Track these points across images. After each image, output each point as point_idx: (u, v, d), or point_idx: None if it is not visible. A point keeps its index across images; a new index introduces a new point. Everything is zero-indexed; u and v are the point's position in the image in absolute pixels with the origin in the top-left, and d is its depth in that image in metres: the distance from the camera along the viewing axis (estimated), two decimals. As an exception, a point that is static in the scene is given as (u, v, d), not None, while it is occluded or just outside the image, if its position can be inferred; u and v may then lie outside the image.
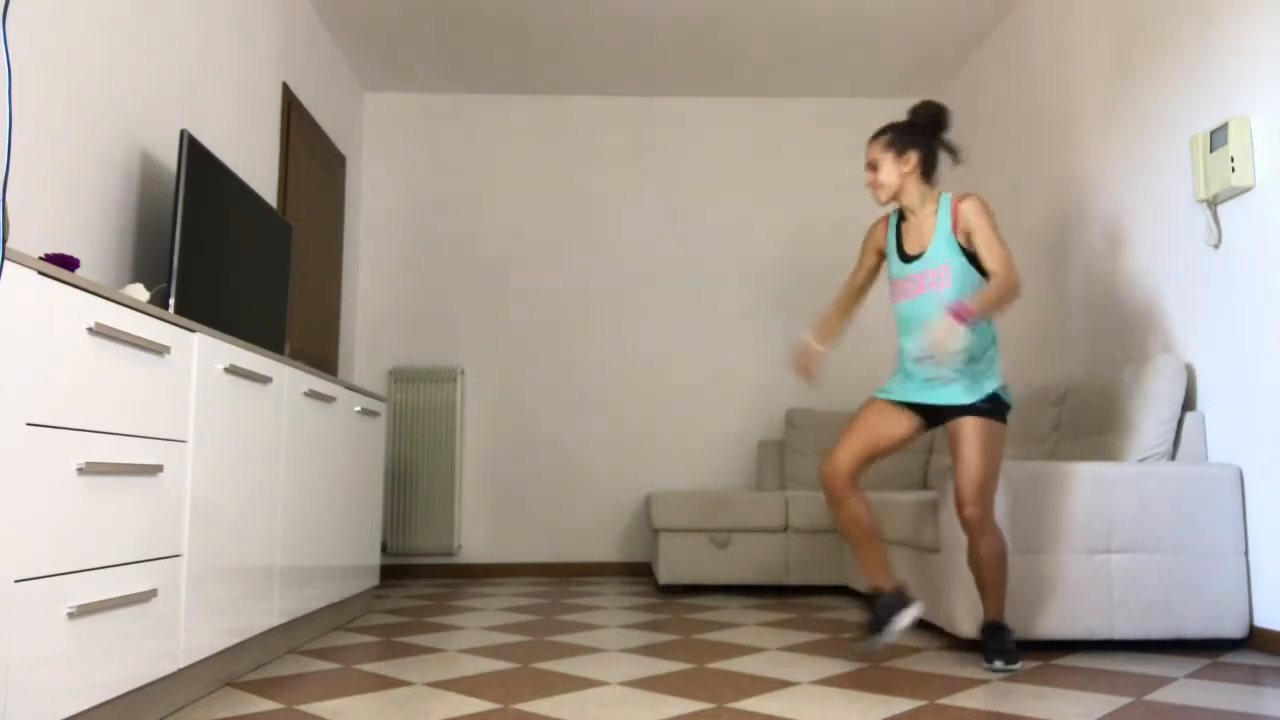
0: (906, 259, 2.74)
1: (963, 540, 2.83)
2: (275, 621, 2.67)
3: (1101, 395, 3.31)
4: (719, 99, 5.59)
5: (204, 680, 2.30)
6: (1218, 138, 2.97)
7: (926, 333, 2.47)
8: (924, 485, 4.90)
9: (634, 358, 5.38)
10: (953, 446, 2.60)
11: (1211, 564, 2.84)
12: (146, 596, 1.90)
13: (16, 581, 1.52)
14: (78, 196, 2.52)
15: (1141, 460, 3.00)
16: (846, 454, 2.69)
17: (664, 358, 5.39)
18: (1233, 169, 2.89)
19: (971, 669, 2.59)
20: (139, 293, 2.29)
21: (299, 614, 2.88)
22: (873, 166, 2.75)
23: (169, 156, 3.07)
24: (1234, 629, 2.82)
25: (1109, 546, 2.84)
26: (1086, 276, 3.86)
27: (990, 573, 2.61)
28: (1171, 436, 3.03)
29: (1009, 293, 2.54)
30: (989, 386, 2.60)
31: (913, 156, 2.71)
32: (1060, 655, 2.81)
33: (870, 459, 2.71)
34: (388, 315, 5.38)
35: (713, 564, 4.40)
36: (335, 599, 3.26)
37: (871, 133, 5.59)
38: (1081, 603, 2.81)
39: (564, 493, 5.28)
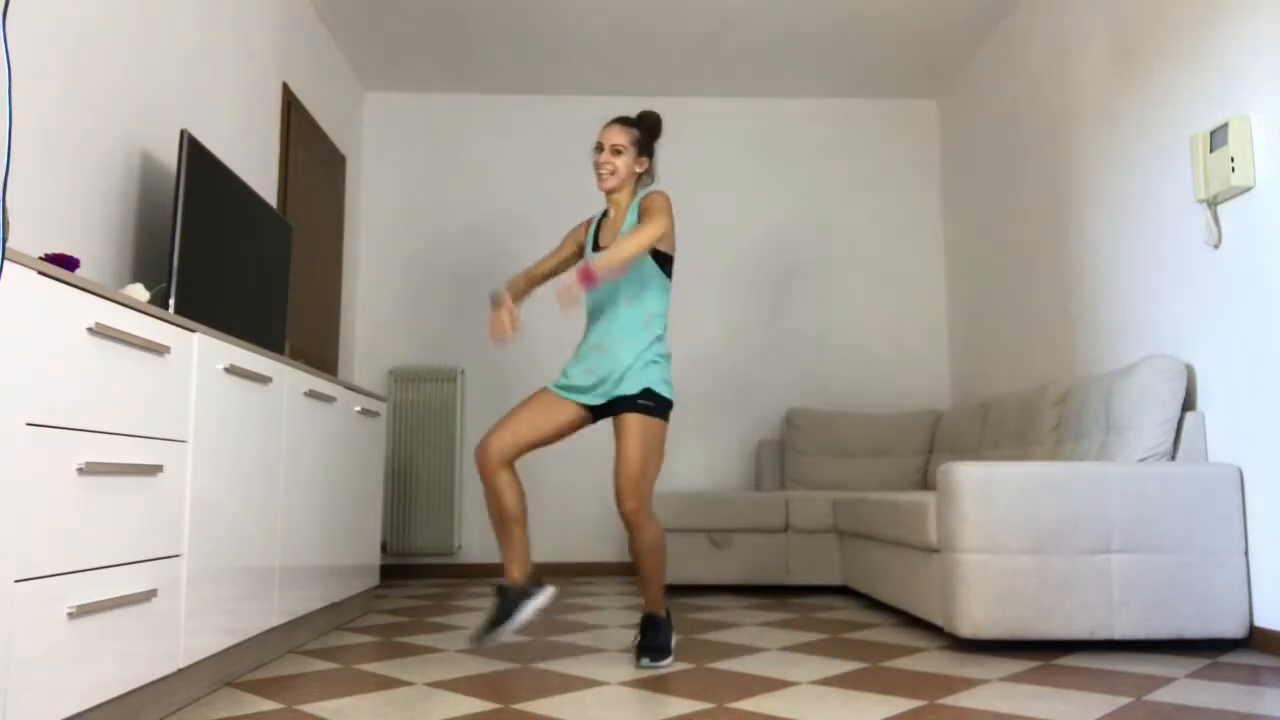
0: (596, 248, 2.87)
1: (963, 540, 2.84)
2: (275, 621, 2.67)
3: (1101, 395, 3.32)
4: (719, 99, 5.59)
5: (204, 680, 2.30)
6: (1218, 138, 2.97)
7: (560, 287, 2.53)
8: (924, 485, 4.91)
9: (634, 358, 5.37)
10: (616, 441, 2.69)
11: (1211, 564, 2.84)
12: (146, 596, 1.90)
13: (16, 581, 1.52)
14: (77, 196, 2.52)
15: (1141, 460, 3.00)
16: (504, 438, 2.71)
17: (664, 358, 5.39)
18: (1233, 169, 2.89)
19: (971, 669, 2.59)
20: (139, 293, 2.29)
21: (299, 614, 2.88)
22: (616, 151, 2.81)
23: (169, 156, 3.07)
24: (1234, 629, 2.82)
25: (1109, 546, 2.84)
26: (1086, 276, 3.86)
27: (649, 564, 2.72)
28: (1171, 436, 3.03)
29: (626, 251, 2.55)
30: (652, 383, 2.69)
31: (646, 162, 2.87)
32: (1060, 655, 2.81)
33: (531, 446, 2.75)
34: (388, 315, 5.38)
35: (713, 564, 4.40)
36: (335, 599, 3.26)
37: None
38: (1081, 603, 2.81)
39: (564, 493, 5.28)
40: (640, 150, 2.84)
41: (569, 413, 2.78)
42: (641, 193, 2.86)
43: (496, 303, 2.80)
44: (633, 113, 5.48)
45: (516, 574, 2.73)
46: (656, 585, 2.76)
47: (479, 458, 2.71)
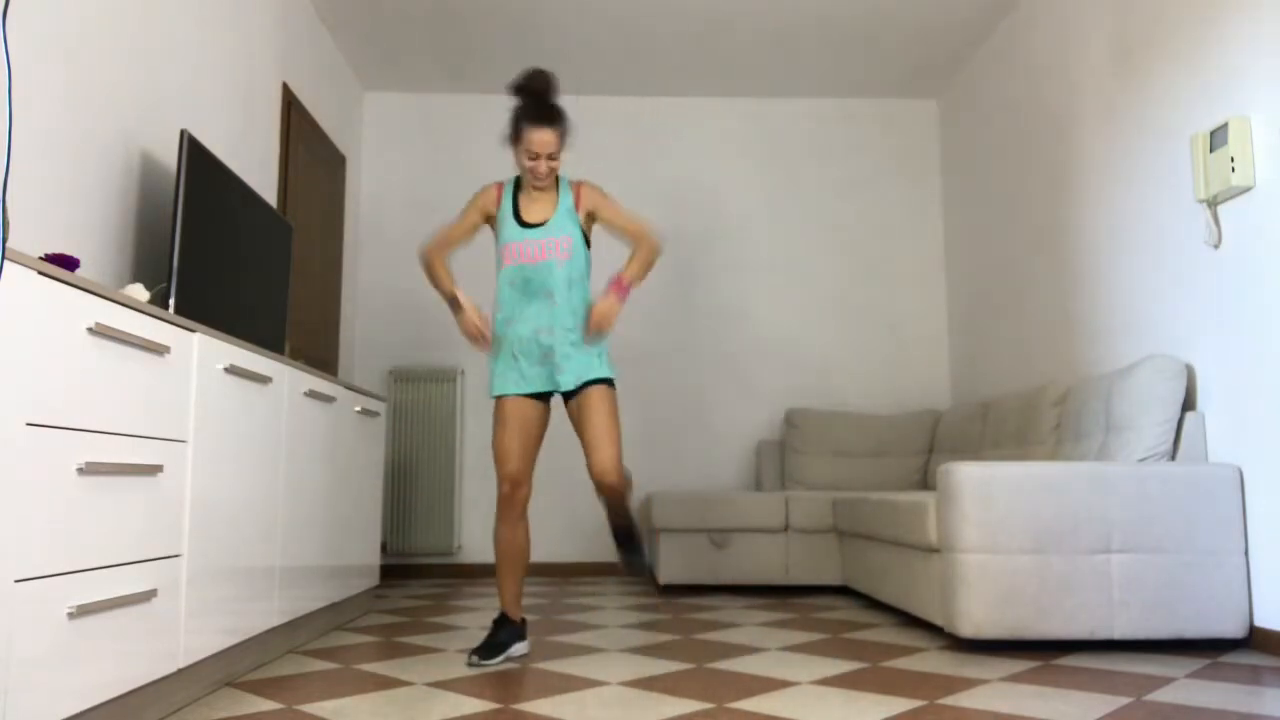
0: (526, 225, 2.82)
1: (963, 540, 2.84)
2: (275, 621, 2.67)
3: (1101, 395, 3.32)
4: (719, 99, 5.59)
5: (204, 680, 2.30)
6: (1218, 138, 2.97)
7: (594, 316, 2.70)
8: (924, 485, 4.91)
9: (631, 357, 5.38)
10: (584, 416, 2.76)
11: (1211, 564, 2.84)
12: (146, 596, 1.90)
13: (16, 581, 1.52)
14: (77, 196, 2.52)
15: (1141, 460, 3.00)
16: (519, 465, 2.79)
17: (662, 358, 5.39)
18: (1233, 169, 2.89)
19: (971, 669, 2.59)
20: (139, 293, 2.29)
21: (299, 614, 2.88)
22: (553, 157, 2.78)
23: (169, 156, 3.07)
24: (1234, 629, 2.82)
25: (1109, 546, 2.84)
26: (1086, 276, 3.86)
27: (627, 507, 2.84)
28: (1171, 436, 3.03)
29: (654, 253, 2.84)
30: (610, 370, 2.82)
31: (566, 143, 2.88)
32: (1060, 655, 2.81)
33: (534, 461, 2.85)
34: (388, 315, 5.38)
35: (713, 564, 4.40)
36: (335, 599, 3.26)
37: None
38: (1081, 603, 2.81)
39: (563, 493, 5.28)
40: (565, 142, 2.80)
41: (540, 410, 2.85)
42: (561, 174, 2.87)
43: (455, 306, 2.79)
44: (631, 113, 5.55)
45: (515, 615, 2.84)
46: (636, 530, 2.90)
47: (511, 498, 2.78)
